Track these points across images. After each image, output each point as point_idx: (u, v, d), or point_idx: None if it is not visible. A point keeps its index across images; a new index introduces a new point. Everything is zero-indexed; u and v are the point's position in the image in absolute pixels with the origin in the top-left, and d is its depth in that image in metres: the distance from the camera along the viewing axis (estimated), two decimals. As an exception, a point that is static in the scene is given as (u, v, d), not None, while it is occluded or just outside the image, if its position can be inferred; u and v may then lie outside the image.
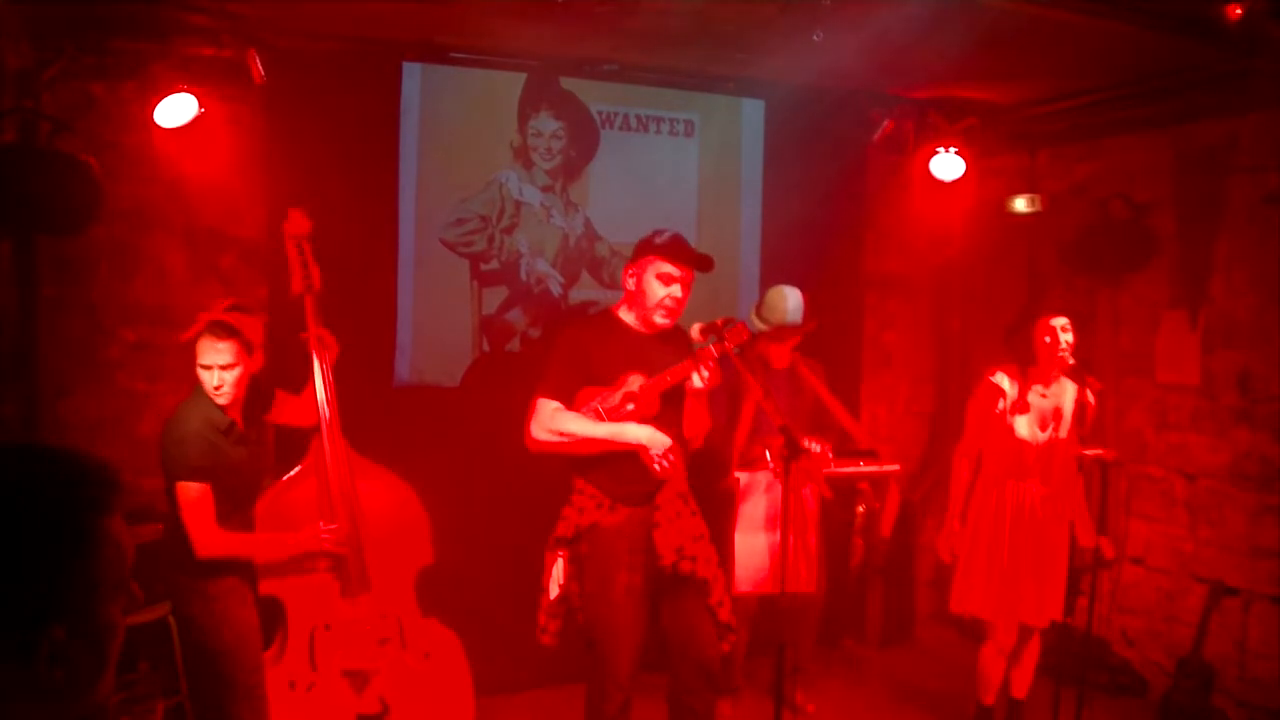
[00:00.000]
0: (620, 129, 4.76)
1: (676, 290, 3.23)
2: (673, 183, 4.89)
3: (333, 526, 3.28)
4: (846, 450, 4.23)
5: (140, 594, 1.18)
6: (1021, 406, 3.88)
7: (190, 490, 3.01)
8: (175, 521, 3.07)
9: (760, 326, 4.15)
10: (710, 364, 3.15)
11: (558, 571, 3.27)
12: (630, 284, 3.30)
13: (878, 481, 4.39)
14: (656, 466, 3.16)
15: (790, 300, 4.13)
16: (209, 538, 3.04)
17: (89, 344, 4.13)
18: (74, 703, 1.07)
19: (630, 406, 3.22)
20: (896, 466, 4.30)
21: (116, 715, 3.57)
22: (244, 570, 3.18)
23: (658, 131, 4.86)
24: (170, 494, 3.06)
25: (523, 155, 4.57)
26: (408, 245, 4.40)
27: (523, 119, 4.54)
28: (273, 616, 3.32)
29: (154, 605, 3.70)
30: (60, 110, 3.62)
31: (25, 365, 3.86)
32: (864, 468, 4.22)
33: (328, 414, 3.32)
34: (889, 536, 4.55)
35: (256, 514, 3.25)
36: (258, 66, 3.75)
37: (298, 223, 3.39)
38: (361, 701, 3.31)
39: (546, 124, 4.60)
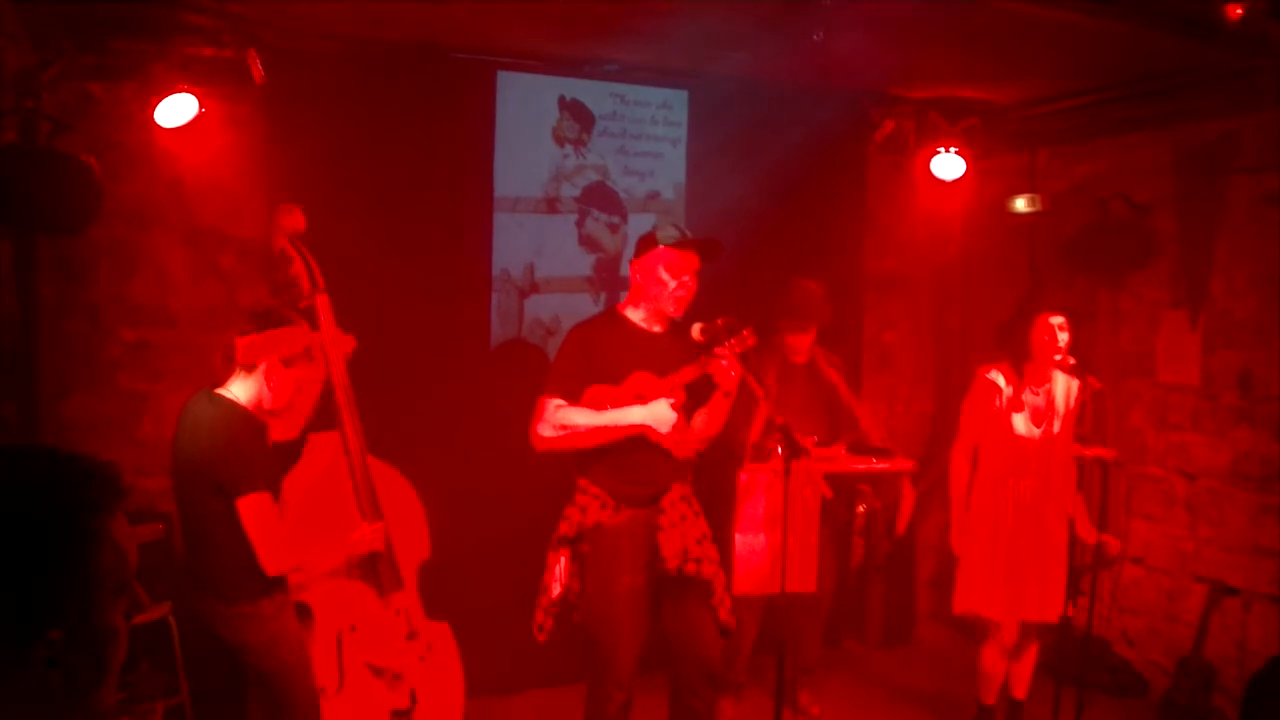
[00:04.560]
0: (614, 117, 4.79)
1: (687, 279, 3.25)
2: (666, 180, 4.90)
3: (378, 525, 3.19)
4: (861, 447, 4.24)
5: (145, 598, 1.18)
6: (1017, 404, 3.89)
7: (260, 504, 2.79)
8: (224, 543, 2.82)
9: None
10: (735, 364, 3.15)
11: (560, 570, 3.27)
12: (638, 278, 3.31)
13: (888, 480, 4.37)
14: (668, 439, 3.17)
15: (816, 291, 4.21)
16: (281, 552, 2.84)
17: (89, 344, 4.12)
18: (73, 707, 1.07)
19: (639, 397, 3.23)
20: (911, 465, 4.30)
21: (116, 715, 3.57)
22: (285, 583, 3.05)
23: (653, 121, 4.86)
24: (213, 511, 2.81)
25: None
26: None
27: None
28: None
29: (154, 605, 3.71)
30: (60, 110, 3.61)
31: (25, 365, 3.85)
32: (876, 465, 4.22)
33: (347, 413, 3.24)
34: (903, 534, 4.55)
35: (288, 521, 3.10)
36: (258, 66, 3.75)
37: (294, 219, 3.24)
38: (394, 697, 3.29)
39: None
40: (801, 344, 4.27)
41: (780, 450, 3.97)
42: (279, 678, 2.95)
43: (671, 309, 3.27)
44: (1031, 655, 4.07)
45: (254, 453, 2.84)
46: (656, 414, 3.18)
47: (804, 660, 4.48)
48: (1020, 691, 4.12)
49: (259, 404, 2.92)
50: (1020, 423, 3.90)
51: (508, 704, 4.30)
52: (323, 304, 3.25)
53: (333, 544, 3.14)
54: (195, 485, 2.85)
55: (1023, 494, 3.90)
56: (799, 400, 4.13)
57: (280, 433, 3.29)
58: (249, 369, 2.89)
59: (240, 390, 2.90)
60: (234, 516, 2.79)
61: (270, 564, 2.84)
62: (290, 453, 3.32)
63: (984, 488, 3.97)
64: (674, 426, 3.20)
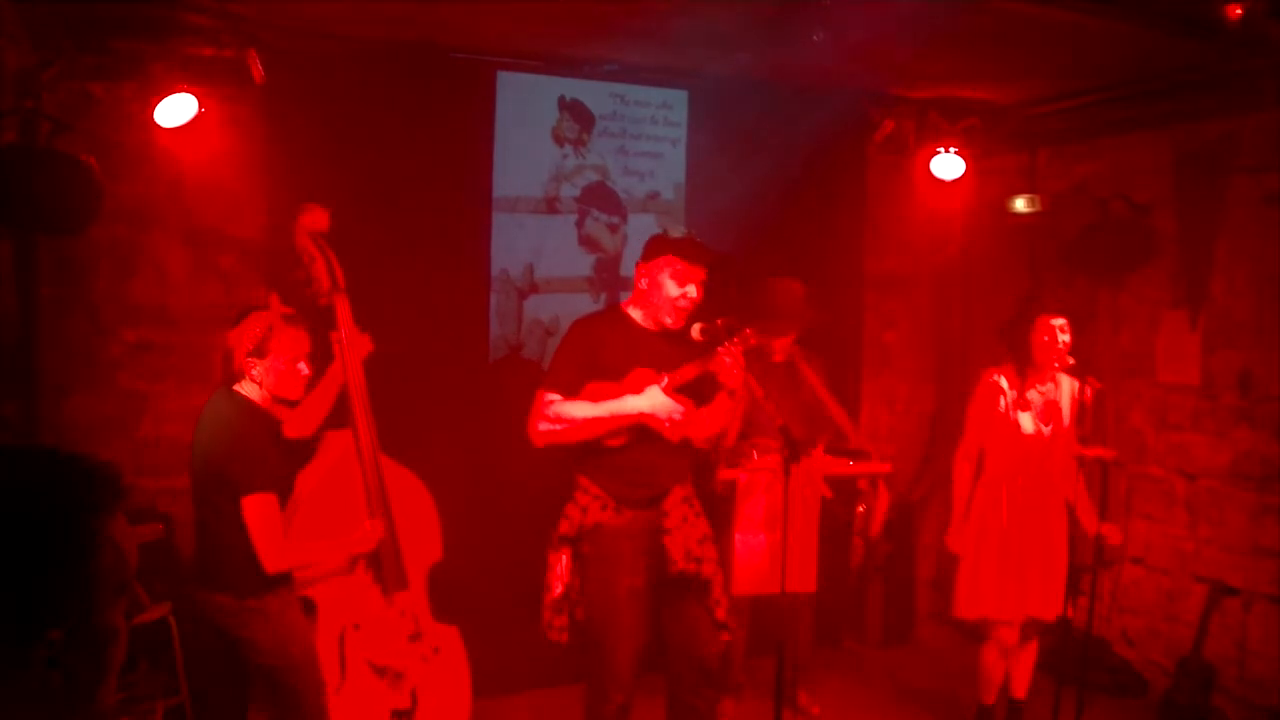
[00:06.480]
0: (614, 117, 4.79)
1: (692, 290, 3.21)
2: (666, 180, 4.90)
3: (379, 523, 3.20)
4: (838, 449, 4.23)
5: (145, 598, 1.18)
6: (1022, 403, 3.90)
7: (263, 503, 2.84)
8: (231, 539, 2.85)
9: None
10: (740, 364, 3.13)
11: (561, 569, 3.26)
12: (643, 283, 3.28)
13: (870, 481, 4.38)
14: (667, 426, 3.16)
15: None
16: (280, 552, 2.88)
17: (89, 344, 4.12)
18: (74, 707, 1.07)
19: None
20: (887, 468, 4.29)
21: (116, 715, 3.56)
22: (291, 579, 3.07)
23: (653, 121, 4.86)
24: (221, 507, 2.86)
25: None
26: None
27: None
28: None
29: (154, 605, 3.71)
30: (60, 110, 3.61)
31: (25, 365, 3.86)
32: (852, 467, 4.20)
33: (360, 413, 3.25)
34: (876, 537, 4.55)
35: (298, 516, 3.14)
36: (258, 66, 3.75)
37: (316, 218, 3.26)
38: (395, 697, 3.29)
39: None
40: (781, 344, 4.25)
41: (763, 453, 4.01)
42: (287, 674, 2.97)
43: (670, 319, 3.23)
44: (1031, 654, 4.07)
45: (261, 452, 2.89)
46: (654, 401, 3.16)
47: (799, 659, 4.47)
48: (1020, 691, 4.11)
49: (273, 397, 2.99)
50: (1027, 421, 3.90)
51: (508, 704, 4.29)
52: (341, 304, 3.28)
53: (336, 542, 3.16)
54: (208, 481, 2.90)
55: (1028, 492, 3.91)
56: (776, 400, 4.10)
57: (295, 430, 3.32)
58: (242, 370, 2.96)
59: (251, 388, 2.97)
60: (241, 513, 2.84)
61: (270, 563, 2.87)
62: (304, 451, 3.34)
63: (990, 488, 3.96)
64: (672, 412, 3.18)
